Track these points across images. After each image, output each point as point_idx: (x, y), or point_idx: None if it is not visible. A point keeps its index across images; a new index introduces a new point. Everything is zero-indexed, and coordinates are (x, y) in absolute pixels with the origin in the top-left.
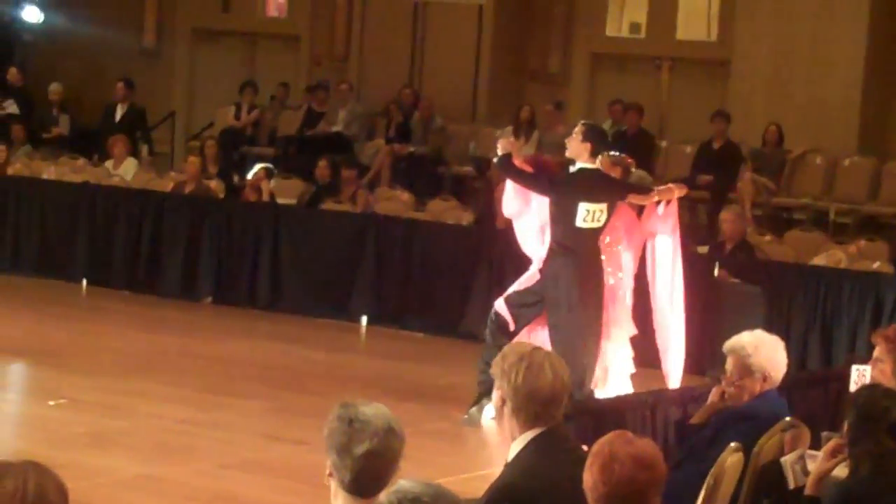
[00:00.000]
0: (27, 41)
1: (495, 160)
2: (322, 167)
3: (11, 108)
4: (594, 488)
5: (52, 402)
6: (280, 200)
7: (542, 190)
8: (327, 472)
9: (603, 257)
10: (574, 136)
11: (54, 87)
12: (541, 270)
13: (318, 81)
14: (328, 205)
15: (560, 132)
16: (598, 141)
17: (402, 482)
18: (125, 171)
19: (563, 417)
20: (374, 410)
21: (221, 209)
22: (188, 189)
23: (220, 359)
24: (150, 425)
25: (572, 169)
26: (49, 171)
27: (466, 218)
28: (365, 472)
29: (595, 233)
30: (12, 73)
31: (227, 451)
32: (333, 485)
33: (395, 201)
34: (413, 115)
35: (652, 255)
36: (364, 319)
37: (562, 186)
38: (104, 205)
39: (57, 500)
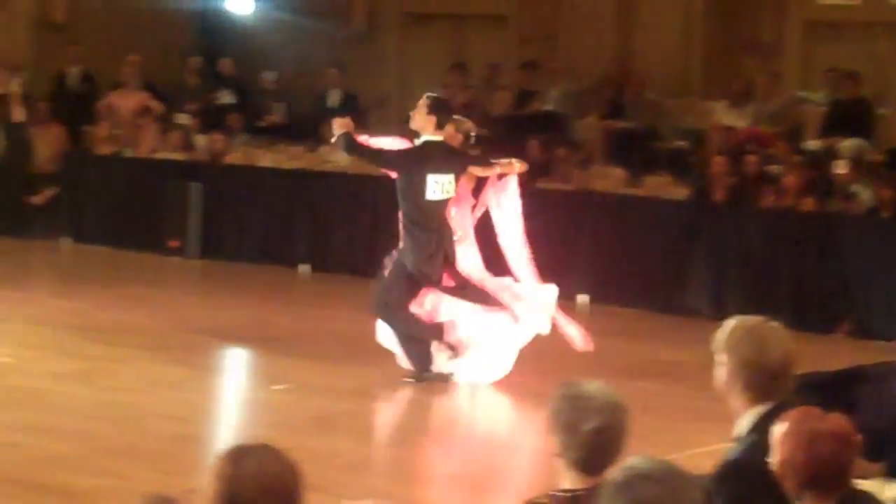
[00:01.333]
0: (239, 31)
1: (333, 140)
2: (533, 146)
3: (227, 97)
4: (800, 470)
5: (276, 387)
6: None
7: (388, 166)
8: (554, 452)
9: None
10: (419, 108)
11: (268, 76)
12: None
13: (528, 60)
14: (541, 183)
15: (776, 103)
16: (442, 113)
17: (632, 459)
18: (341, 155)
19: (792, 391)
20: (597, 388)
21: None
22: None
23: None
24: (375, 408)
25: (417, 142)
26: (266, 159)
27: (682, 193)
28: (594, 448)
29: (443, 204)
30: (226, 64)
31: None
32: (561, 464)
33: (610, 178)
34: (625, 91)
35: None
36: (583, 297)
37: (408, 160)
38: (321, 190)
39: (292, 481)
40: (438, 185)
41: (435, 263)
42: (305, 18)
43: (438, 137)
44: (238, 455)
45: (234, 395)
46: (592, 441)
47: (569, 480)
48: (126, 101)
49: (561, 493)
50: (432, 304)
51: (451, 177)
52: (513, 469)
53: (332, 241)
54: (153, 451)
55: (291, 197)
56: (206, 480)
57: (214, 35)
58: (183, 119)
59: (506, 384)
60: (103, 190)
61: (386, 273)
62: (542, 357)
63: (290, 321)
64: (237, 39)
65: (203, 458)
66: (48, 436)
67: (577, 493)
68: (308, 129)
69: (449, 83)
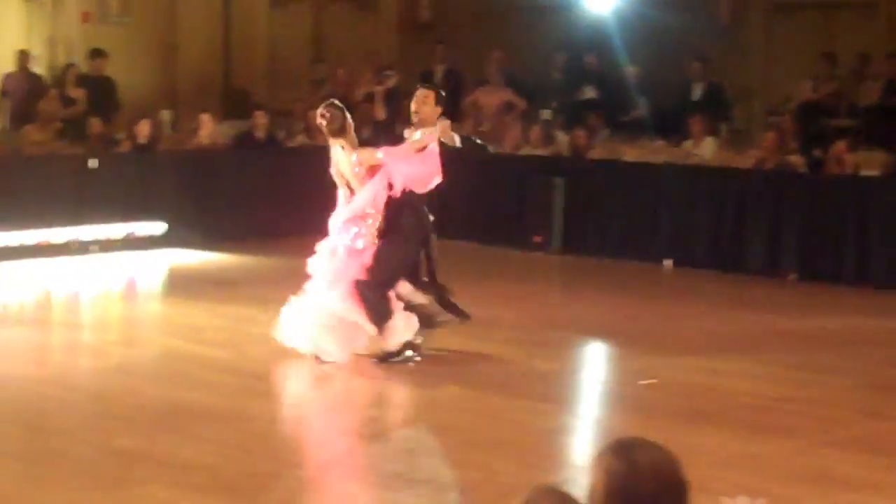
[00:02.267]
0: (602, 26)
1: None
2: None
3: (591, 93)
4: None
5: (643, 382)
6: (864, 173)
7: None
8: None
9: None
10: (425, 100)
11: (631, 70)
12: None
13: None
14: None
15: None
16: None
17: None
18: (705, 149)
19: None
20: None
21: (803, 184)
22: (768, 165)
23: (807, 335)
24: (743, 403)
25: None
26: (629, 153)
27: None
28: None
29: None
30: (590, 59)
31: (825, 429)
32: None
33: None
34: None
35: None
36: None
37: None
38: (685, 184)
39: (683, 475)
40: None
41: None
42: (669, 12)
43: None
44: (625, 449)
45: (600, 390)
46: None
47: None
48: (490, 98)
49: None
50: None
51: None
52: None
53: (695, 235)
54: (520, 444)
55: (654, 191)
56: (592, 475)
57: (578, 30)
58: (546, 115)
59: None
60: (467, 187)
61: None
62: None
63: (653, 316)
64: (600, 34)
65: (570, 453)
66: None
67: None
68: (671, 124)
69: (816, 73)
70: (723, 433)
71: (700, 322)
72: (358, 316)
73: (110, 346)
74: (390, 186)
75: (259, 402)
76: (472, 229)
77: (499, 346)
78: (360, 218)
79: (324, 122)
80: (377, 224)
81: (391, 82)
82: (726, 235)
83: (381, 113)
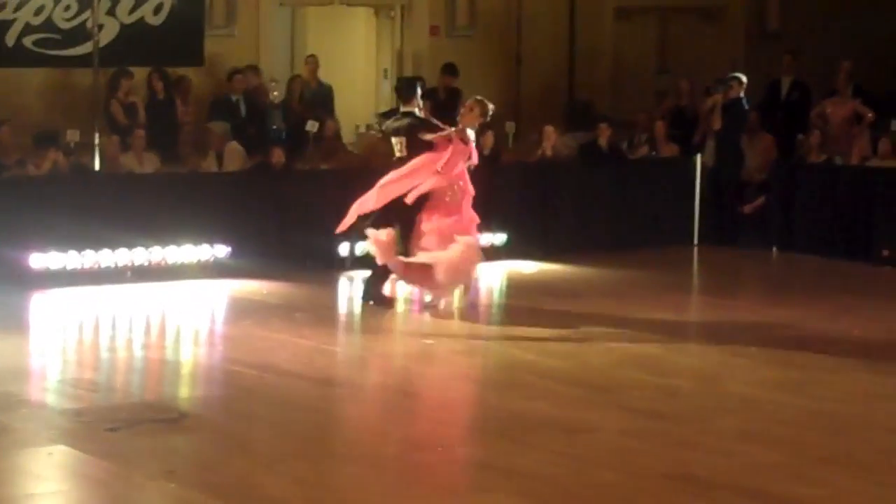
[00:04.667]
0: None
1: None
2: None
3: None
4: None
5: None
6: None
7: None
8: None
9: None
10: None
11: None
12: None
13: None
14: None
15: None
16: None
17: None
18: None
19: None
20: None
21: None
22: None
23: None
24: None
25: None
26: None
27: None
28: None
29: None
30: None
31: None
32: None
33: None
34: None
35: None
36: None
37: None
38: None
39: None
40: None
41: None
42: None
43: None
44: None
45: None
46: None
47: None
48: (838, 109)
49: None
50: None
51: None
52: None
53: None
54: (868, 463)
55: None
56: None
57: None
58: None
59: None
60: (813, 199)
61: None
62: None
63: None
64: None
65: None
66: (761, 443)
67: None
68: None
69: None
70: None
71: None
72: None
73: (454, 355)
74: None
75: (599, 413)
76: (815, 242)
77: (845, 361)
78: None
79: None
80: None
81: (732, 93)
82: None
83: (717, 123)
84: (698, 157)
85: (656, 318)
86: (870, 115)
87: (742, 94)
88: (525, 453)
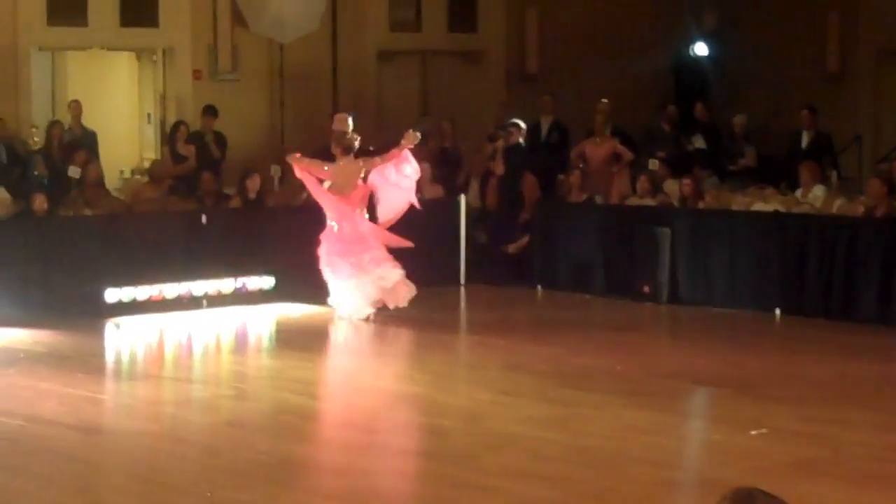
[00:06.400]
0: (710, 76)
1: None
2: None
3: (699, 142)
4: None
5: (753, 432)
6: None
7: None
8: None
9: None
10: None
11: (738, 119)
12: None
13: None
14: None
15: None
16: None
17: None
18: (814, 197)
19: None
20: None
21: None
22: (879, 213)
23: None
24: (857, 453)
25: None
26: (737, 202)
27: None
28: None
29: None
30: (699, 109)
31: None
32: None
33: None
34: None
35: None
36: None
37: None
38: (795, 233)
39: None
40: None
41: None
42: (778, 60)
43: None
44: (744, 499)
45: (710, 440)
46: None
47: None
48: (597, 150)
49: None
50: None
51: None
52: None
53: (805, 284)
54: (632, 496)
55: (764, 240)
56: None
57: (686, 80)
58: (653, 165)
59: None
60: (575, 237)
61: None
62: None
63: (761, 365)
64: (707, 84)
65: None
66: (526, 480)
67: None
68: (780, 172)
69: None
70: (836, 483)
71: (811, 371)
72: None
73: (222, 399)
74: None
75: (370, 454)
76: (580, 280)
77: (607, 396)
78: None
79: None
80: None
81: (512, 138)
82: (837, 284)
83: (499, 168)
84: (462, 198)
85: (424, 358)
86: (628, 154)
87: (521, 140)
88: (297, 498)
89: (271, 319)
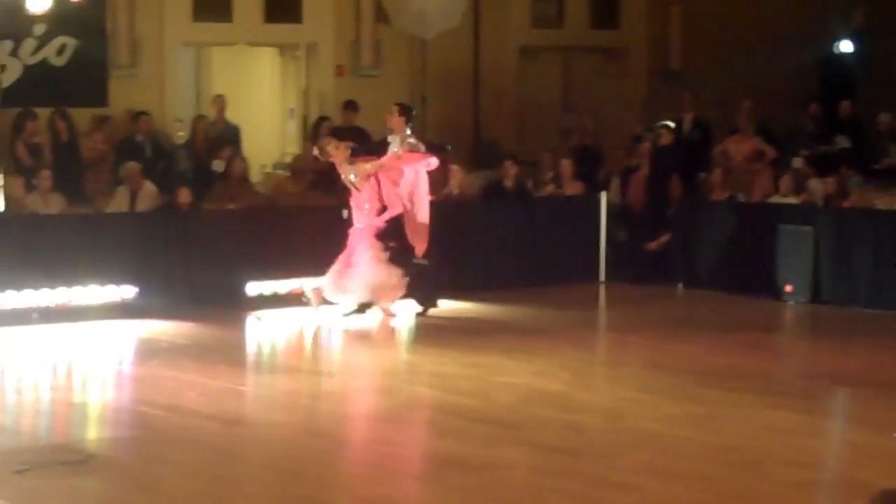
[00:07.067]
0: (857, 74)
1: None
2: None
3: (843, 142)
4: None
5: (895, 434)
6: None
7: None
8: None
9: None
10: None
11: (884, 118)
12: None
13: None
14: None
15: None
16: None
17: None
18: None
19: None
20: None
21: None
22: None
23: None
24: None
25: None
26: (882, 202)
27: None
28: None
29: None
30: (844, 107)
31: None
32: None
33: None
34: None
35: None
36: None
37: None
38: None
39: None
40: None
41: None
42: None
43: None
44: (891, 502)
45: (854, 441)
46: None
47: None
48: (739, 147)
49: None
50: None
51: None
52: None
53: None
54: (772, 497)
55: None
56: None
57: (830, 78)
58: (797, 163)
59: None
60: (717, 235)
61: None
62: None
63: None
64: (852, 82)
65: None
66: (666, 479)
67: None
68: None
69: None
70: None
71: None
72: None
73: (359, 393)
74: None
75: (509, 450)
76: (722, 279)
77: (747, 396)
78: None
79: None
80: None
81: (662, 140)
82: None
83: (646, 168)
84: (603, 195)
85: (563, 355)
86: (771, 152)
87: (671, 140)
88: (435, 492)
89: (409, 314)
